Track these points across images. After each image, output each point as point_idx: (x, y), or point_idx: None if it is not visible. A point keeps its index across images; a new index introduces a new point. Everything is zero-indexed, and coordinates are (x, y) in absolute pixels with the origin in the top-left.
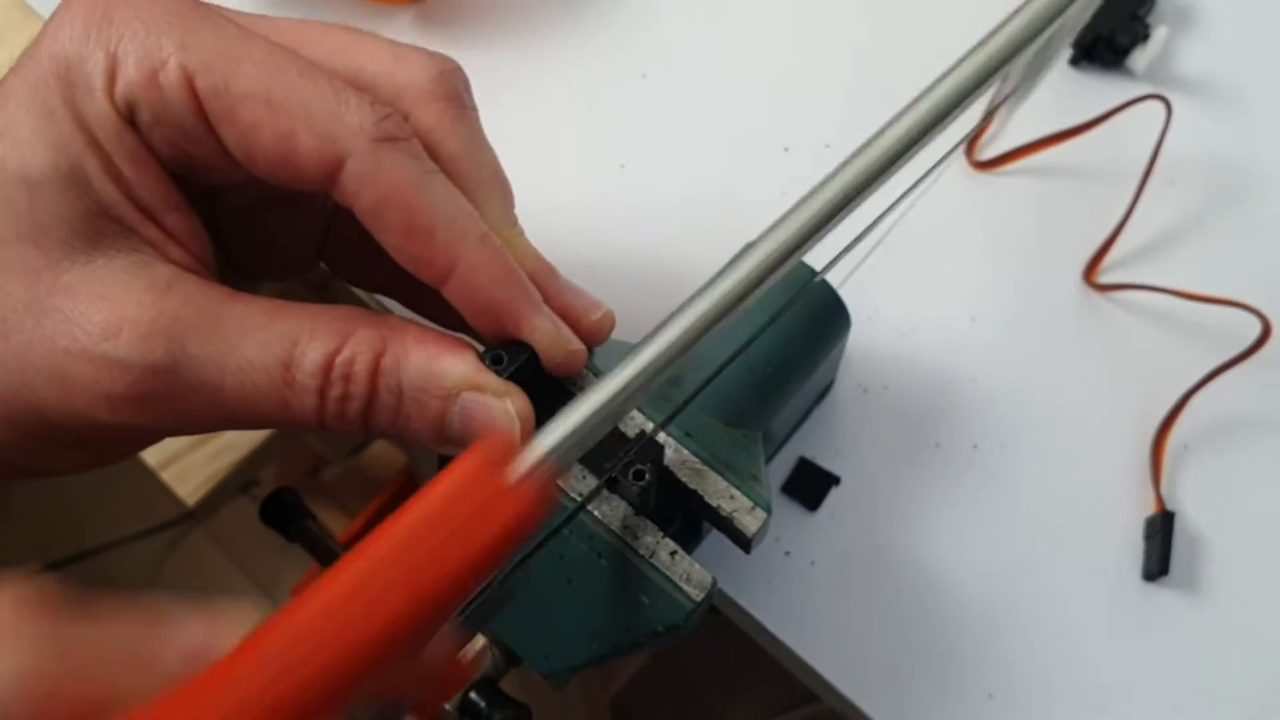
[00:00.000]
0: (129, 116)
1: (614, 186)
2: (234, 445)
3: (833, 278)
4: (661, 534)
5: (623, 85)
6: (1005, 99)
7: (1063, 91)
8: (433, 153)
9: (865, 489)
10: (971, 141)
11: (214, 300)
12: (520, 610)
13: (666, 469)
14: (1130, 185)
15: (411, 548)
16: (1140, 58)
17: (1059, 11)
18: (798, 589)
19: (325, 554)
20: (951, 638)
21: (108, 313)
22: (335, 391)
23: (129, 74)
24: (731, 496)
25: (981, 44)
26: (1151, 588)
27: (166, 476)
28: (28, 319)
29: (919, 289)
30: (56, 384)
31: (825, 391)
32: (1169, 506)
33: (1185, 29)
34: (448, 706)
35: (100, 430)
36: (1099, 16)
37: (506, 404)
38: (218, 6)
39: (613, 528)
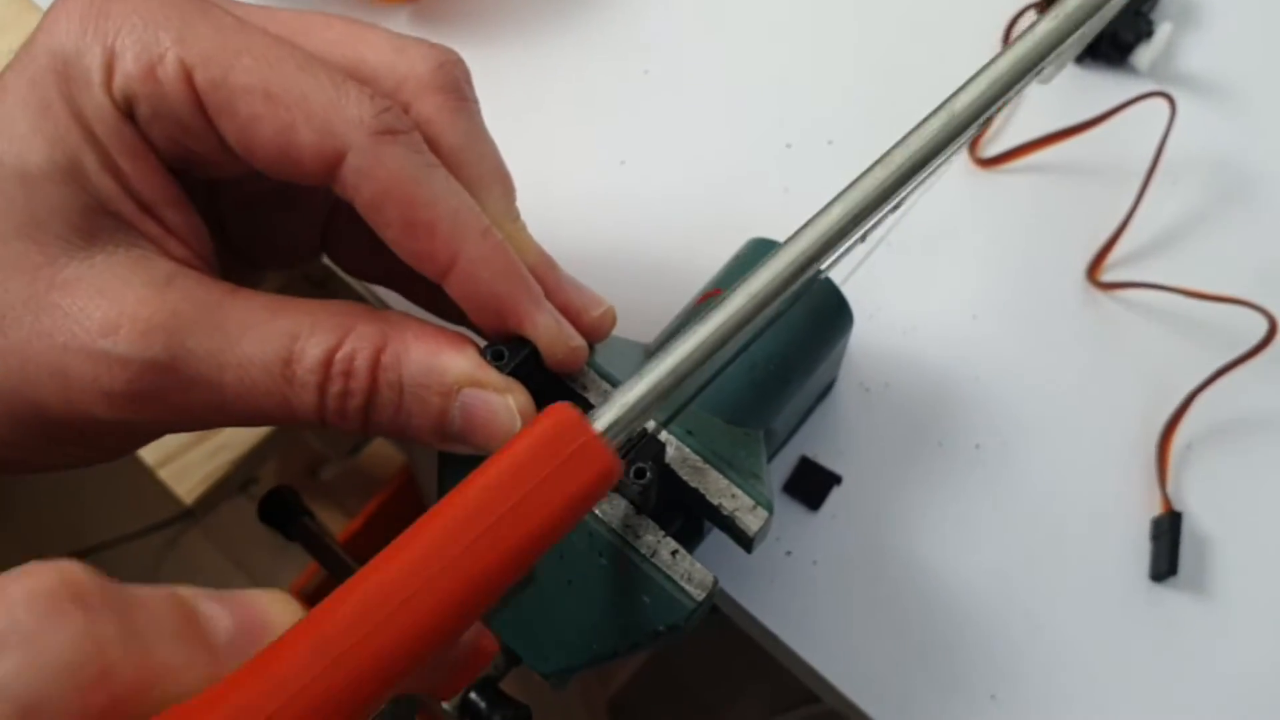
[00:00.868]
0: (127, 111)
1: (614, 183)
2: (232, 443)
3: (835, 275)
4: (663, 533)
5: (623, 81)
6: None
7: (1066, 88)
8: (433, 145)
9: (867, 488)
10: (974, 139)
11: (214, 296)
12: (521, 610)
13: (668, 467)
14: (1134, 183)
15: (501, 495)
16: (1144, 54)
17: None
18: (799, 589)
19: (324, 552)
20: (954, 638)
21: (107, 309)
22: (335, 388)
23: (127, 68)
24: (733, 495)
25: (1004, 53)
26: (1159, 588)
27: (164, 475)
28: (26, 315)
29: (921, 287)
30: (55, 380)
31: (827, 390)
32: (1175, 506)
33: (1189, 26)
34: (446, 706)
35: (99, 426)
36: None
37: (508, 400)
38: None
39: (614, 527)
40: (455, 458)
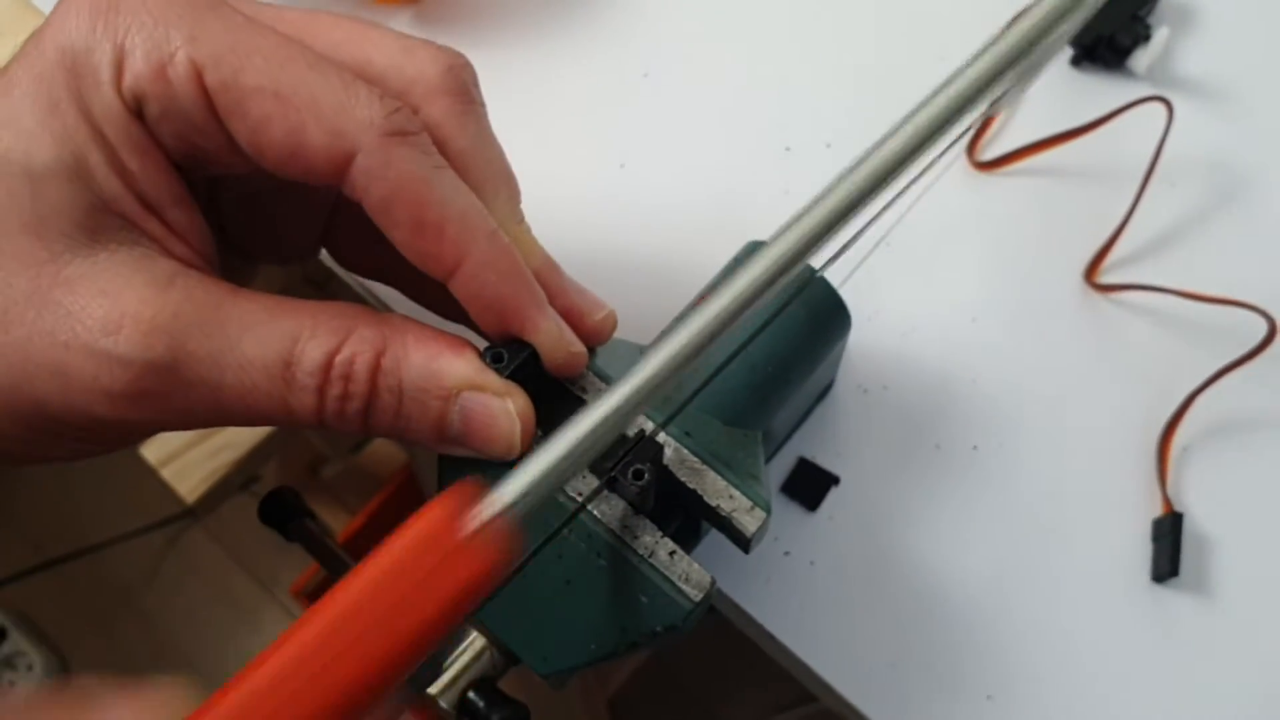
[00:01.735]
0: (136, 110)
1: (614, 185)
2: (234, 443)
3: (833, 277)
4: (660, 534)
5: (623, 84)
6: (999, 99)
7: (1064, 92)
8: (441, 147)
9: (865, 489)
10: (973, 142)
11: (215, 297)
12: (519, 610)
13: (666, 468)
14: (1131, 186)
15: (364, 611)
16: (1141, 58)
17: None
18: (797, 589)
19: (324, 552)
20: (951, 639)
21: (108, 308)
22: (335, 390)
23: (137, 67)
24: (731, 496)
25: (985, 49)
26: (1160, 589)
27: (166, 474)
28: (29, 312)
29: (920, 289)
30: (56, 378)
31: (825, 391)
32: (1176, 507)
33: (1186, 29)
34: (445, 705)
35: (99, 424)
36: (1100, 17)
37: (507, 404)
38: None
39: (612, 527)
40: (455, 459)
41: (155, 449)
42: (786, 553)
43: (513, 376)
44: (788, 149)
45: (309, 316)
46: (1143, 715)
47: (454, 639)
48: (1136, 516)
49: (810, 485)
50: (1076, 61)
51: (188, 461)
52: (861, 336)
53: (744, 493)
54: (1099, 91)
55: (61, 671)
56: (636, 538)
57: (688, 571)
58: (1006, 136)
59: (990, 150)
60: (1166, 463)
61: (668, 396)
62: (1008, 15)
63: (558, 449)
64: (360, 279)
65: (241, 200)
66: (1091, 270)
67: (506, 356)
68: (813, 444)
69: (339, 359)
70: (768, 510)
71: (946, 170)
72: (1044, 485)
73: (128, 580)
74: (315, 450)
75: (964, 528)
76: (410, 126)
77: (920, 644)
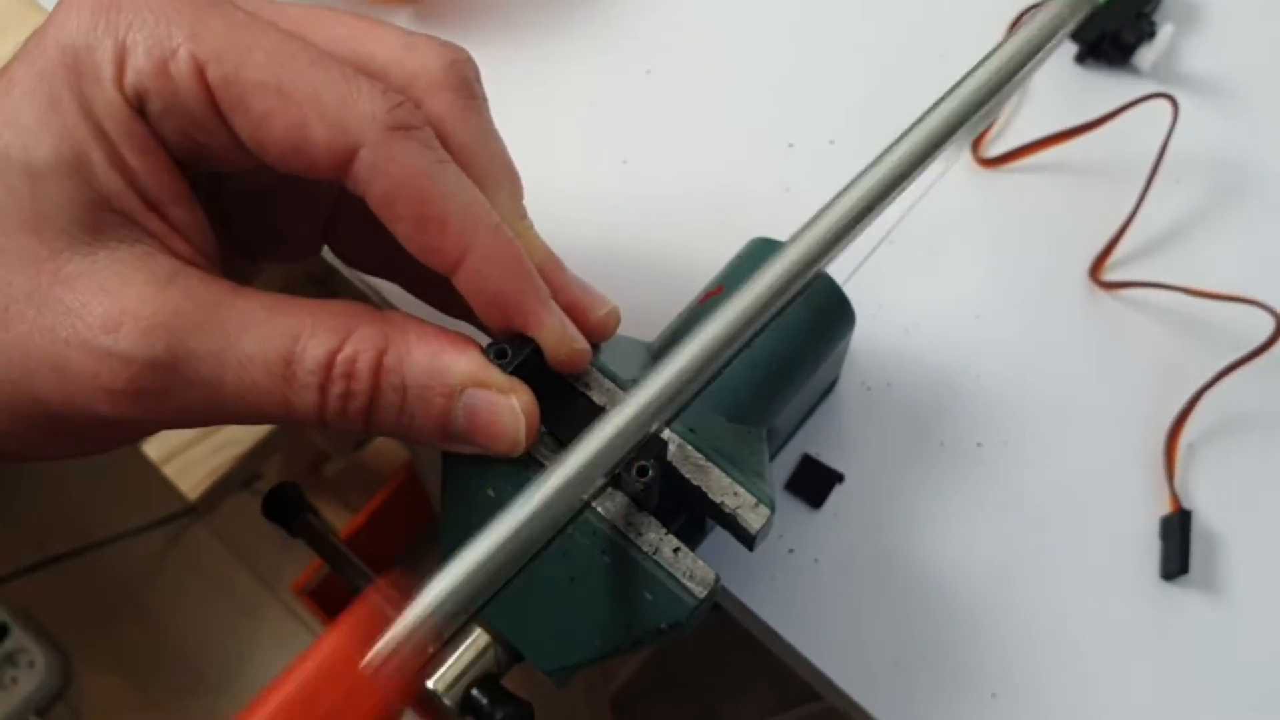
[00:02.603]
0: (138, 106)
1: (617, 182)
2: (236, 440)
3: (837, 274)
4: (665, 530)
5: (626, 80)
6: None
7: (1069, 89)
8: (444, 142)
9: (869, 486)
10: (977, 139)
11: (216, 295)
12: (523, 607)
13: (670, 465)
14: (1136, 183)
15: None
16: (1146, 55)
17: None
18: (801, 586)
19: (327, 549)
20: (955, 636)
21: (109, 305)
22: (337, 388)
23: (139, 63)
24: (735, 493)
25: (994, 53)
26: (1170, 586)
27: (168, 471)
28: (29, 309)
29: (924, 286)
30: (56, 376)
31: (829, 389)
32: (1184, 505)
33: (1191, 26)
34: (448, 702)
35: (99, 422)
36: (1105, 14)
37: (511, 400)
38: None
39: (616, 524)
40: (458, 456)
41: (157, 446)
42: (791, 550)
43: (516, 372)
44: (790, 145)
45: (310, 315)
46: (1150, 713)
47: (457, 636)
48: (1143, 514)
49: (814, 482)
50: (1081, 58)
51: (190, 459)
52: (865, 333)
53: (748, 490)
54: (1104, 88)
55: (63, 668)
56: (641, 534)
57: (692, 568)
58: (1011, 133)
59: (995, 147)
60: (1174, 460)
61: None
62: (1009, 13)
63: (444, 583)
64: (363, 275)
65: (244, 198)
66: (1096, 267)
67: (510, 352)
68: (817, 441)
69: (341, 357)
70: (772, 507)
71: (951, 167)
72: (1049, 483)
73: (130, 577)
74: (317, 448)
75: (968, 525)
76: (413, 121)
77: (924, 641)
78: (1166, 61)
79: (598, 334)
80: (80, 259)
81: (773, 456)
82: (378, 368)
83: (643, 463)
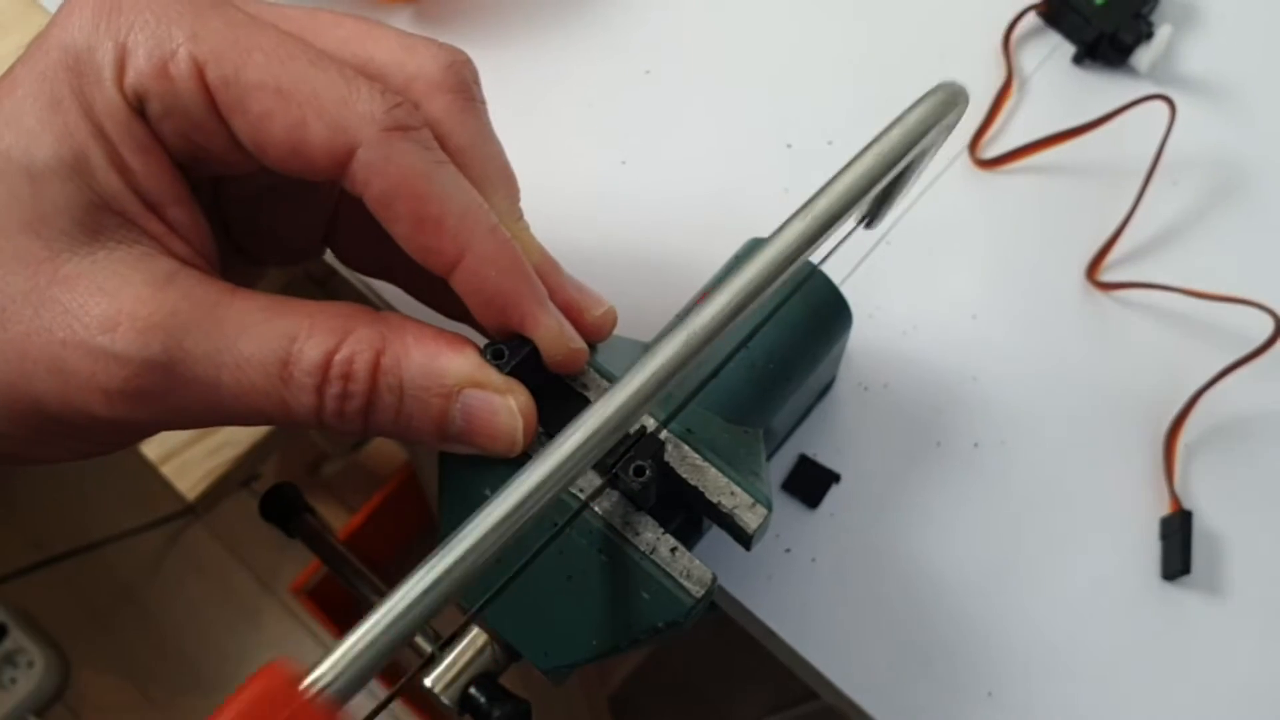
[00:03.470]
0: (138, 107)
1: (615, 183)
2: (235, 440)
3: (835, 275)
4: (662, 530)
5: (624, 81)
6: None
7: (1066, 90)
8: (441, 144)
9: (866, 487)
10: (975, 140)
11: (213, 296)
12: (520, 606)
13: (667, 465)
14: (1133, 184)
15: None
16: (1144, 56)
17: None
18: (798, 586)
19: (325, 549)
20: (951, 636)
21: (106, 306)
22: (334, 389)
23: (139, 64)
24: (732, 493)
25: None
26: (1172, 587)
27: (167, 471)
28: (27, 309)
29: (921, 287)
30: (53, 376)
31: (826, 389)
32: (1184, 506)
33: (1189, 27)
34: (446, 701)
35: (96, 422)
36: (1103, 15)
37: (509, 400)
38: None
39: (613, 524)
40: (456, 456)
41: (155, 446)
42: (788, 550)
43: (513, 373)
44: (789, 146)
45: (306, 316)
46: (1150, 713)
47: (456, 636)
48: (1142, 515)
49: (811, 482)
50: (1079, 59)
51: (188, 459)
52: (862, 334)
53: (745, 490)
54: (1101, 89)
55: (62, 668)
56: (638, 534)
57: (689, 568)
58: (1008, 134)
59: (992, 148)
60: (1173, 461)
61: (668, 392)
62: (1007, 14)
63: (365, 632)
64: (362, 276)
65: (245, 202)
66: (1093, 268)
67: (507, 353)
68: (814, 441)
69: (338, 358)
70: (769, 507)
71: (948, 168)
72: (1046, 483)
73: (128, 577)
74: (316, 448)
75: (965, 525)
76: (411, 121)
77: (921, 641)
78: (1164, 63)
79: (594, 334)
80: (79, 260)
81: (770, 456)
82: (375, 369)
83: (640, 462)
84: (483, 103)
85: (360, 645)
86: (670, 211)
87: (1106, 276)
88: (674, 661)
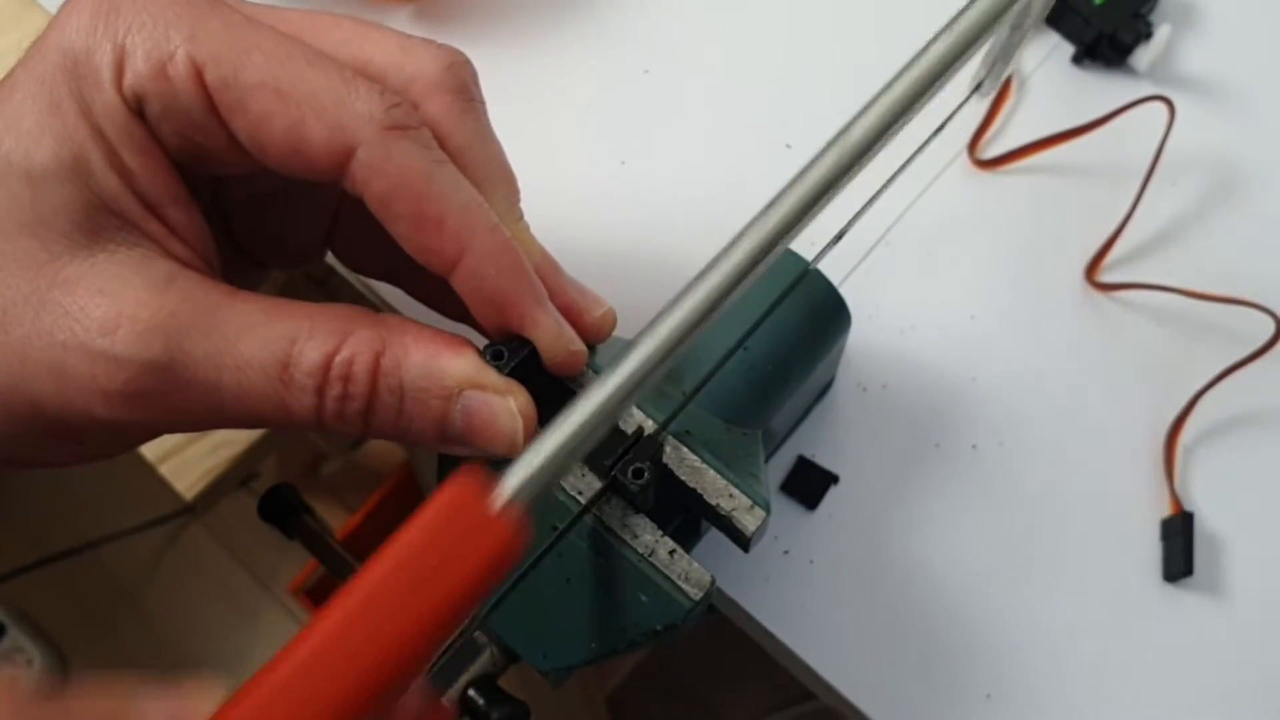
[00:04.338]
0: (137, 109)
1: (615, 183)
2: (233, 440)
3: (833, 275)
4: (660, 532)
5: (624, 81)
6: (986, 76)
7: (1065, 90)
8: (441, 144)
9: (864, 488)
10: (973, 140)
11: (213, 298)
12: (519, 608)
13: (665, 467)
14: (1132, 184)
15: (394, 589)
16: (1143, 56)
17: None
18: (796, 588)
19: (323, 549)
20: (950, 637)
21: (106, 308)
22: (334, 391)
23: (137, 66)
24: (730, 495)
25: (948, 26)
26: (1173, 588)
27: (165, 470)
28: (27, 312)
29: (920, 288)
30: (54, 378)
31: (825, 390)
32: (1185, 507)
33: (1188, 27)
34: (445, 703)
35: (96, 425)
36: (1102, 15)
37: (509, 401)
38: None
39: (611, 526)
40: (455, 458)
41: (153, 445)
42: (786, 551)
43: (513, 374)
44: (788, 146)
45: (306, 318)
46: (1152, 715)
47: (455, 637)
48: (1143, 516)
49: (809, 484)
50: (1078, 59)
51: (187, 458)
52: (861, 335)
53: (744, 491)
54: (1100, 90)
55: (60, 667)
56: (636, 536)
57: (687, 570)
58: (1007, 135)
59: (991, 149)
60: (1173, 462)
61: (666, 394)
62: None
63: (558, 436)
64: (362, 277)
65: (246, 204)
66: (1092, 269)
67: (506, 354)
68: (812, 443)
69: (338, 360)
70: (767, 509)
71: (947, 168)
72: (1045, 484)
73: (126, 577)
74: (314, 448)
75: (964, 526)
76: (410, 121)
77: (919, 642)
78: (1163, 63)
79: (594, 335)
80: (79, 262)
81: (768, 458)
82: (375, 370)
83: (638, 464)
84: (482, 103)
85: (551, 456)
86: (670, 211)
87: (1106, 277)
88: (672, 662)
